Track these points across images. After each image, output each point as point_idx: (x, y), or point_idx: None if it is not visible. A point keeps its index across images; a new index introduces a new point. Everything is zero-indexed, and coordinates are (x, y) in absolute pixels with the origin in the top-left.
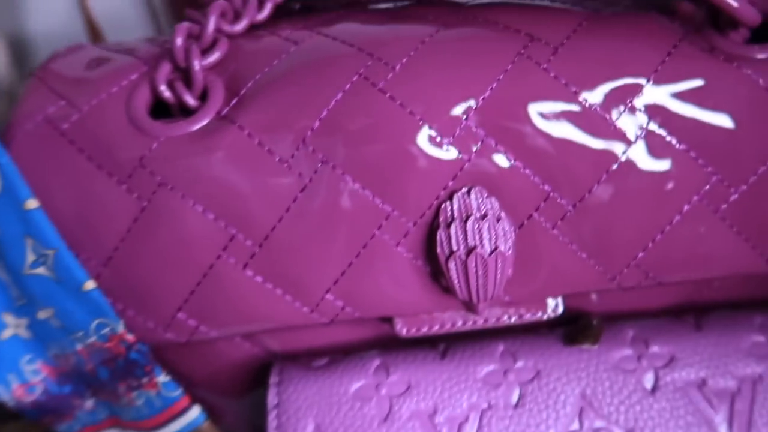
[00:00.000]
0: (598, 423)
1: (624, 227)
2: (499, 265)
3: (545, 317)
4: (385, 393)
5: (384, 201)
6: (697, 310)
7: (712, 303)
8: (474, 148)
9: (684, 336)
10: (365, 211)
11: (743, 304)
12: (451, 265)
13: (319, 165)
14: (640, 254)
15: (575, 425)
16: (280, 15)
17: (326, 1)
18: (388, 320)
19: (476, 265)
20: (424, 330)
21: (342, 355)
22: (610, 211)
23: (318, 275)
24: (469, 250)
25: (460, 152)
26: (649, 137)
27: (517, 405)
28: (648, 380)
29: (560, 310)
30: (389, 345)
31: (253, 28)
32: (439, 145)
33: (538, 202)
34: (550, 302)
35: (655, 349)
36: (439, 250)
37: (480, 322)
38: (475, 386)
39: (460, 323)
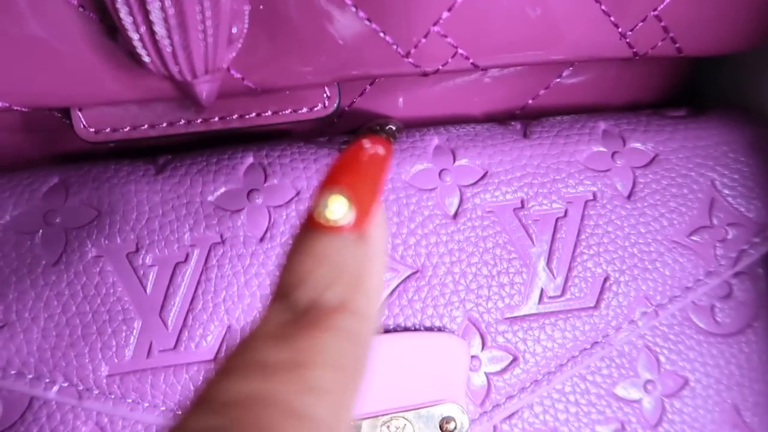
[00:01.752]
0: None
1: None
2: (208, 13)
3: (313, 115)
4: (60, 222)
5: None
6: (528, 117)
7: (549, 112)
8: None
9: (504, 145)
10: None
11: (589, 113)
12: (120, 2)
13: None
14: (444, 14)
15: None
16: None
17: None
18: (67, 116)
19: (163, 5)
20: (124, 131)
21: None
22: None
23: None
24: None
25: None
26: None
27: (263, 237)
28: (451, 203)
29: (334, 105)
30: (80, 158)
31: None
32: None
33: None
34: (316, 92)
35: (463, 161)
36: None
37: (215, 121)
38: (203, 211)
39: (181, 122)
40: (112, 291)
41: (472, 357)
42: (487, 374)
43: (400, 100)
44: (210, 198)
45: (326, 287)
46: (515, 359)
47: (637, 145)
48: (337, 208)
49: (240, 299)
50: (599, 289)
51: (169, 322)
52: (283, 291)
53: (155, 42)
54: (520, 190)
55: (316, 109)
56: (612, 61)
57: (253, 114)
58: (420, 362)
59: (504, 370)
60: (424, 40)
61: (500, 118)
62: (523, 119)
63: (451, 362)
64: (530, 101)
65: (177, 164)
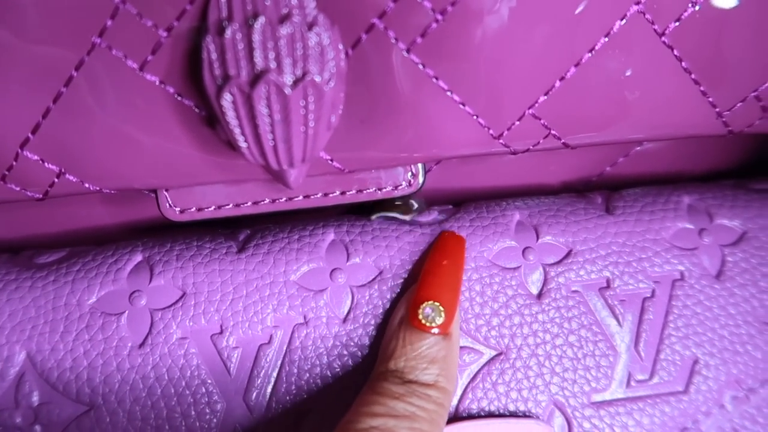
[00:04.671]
0: (462, 342)
1: (517, 55)
2: (312, 106)
3: (398, 193)
4: (145, 304)
5: None
6: (608, 188)
7: (627, 180)
8: None
9: (588, 222)
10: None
11: (668, 181)
12: (226, 100)
13: None
14: (541, 99)
15: None
16: None
17: None
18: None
19: (269, 103)
20: (209, 210)
21: (85, 247)
22: (497, 28)
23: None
24: (257, 76)
25: None
26: None
27: (346, 318)
28: (534, 282)
29: (419, 183)
30: (159, 227)
31: None
32: None
33: (383, 5)
34: (401, 171)
35: (547, 239)
36: (206, 74)
37: (299, 200)
38: (286, 291)
39: (265, 201)
40: (196, 374)
41: None
42: None
43: (476, 168)
44: (293, 277)
45: (423, 370)
46: None
47: (725, 221)
48: (434, 317)
49: (323, 382)
50: (688, 373)
51: (253, 405)
52: (397, 371)
53: (257, 135)
54: (606, 269)
55: (400, 187)
56: None
57: (337, 192)
58: None
59: None
60: (518, 123)
61: (577, 187)
62: (601, 189)
63: None
64: (608, 168)
65: (258, 242)
